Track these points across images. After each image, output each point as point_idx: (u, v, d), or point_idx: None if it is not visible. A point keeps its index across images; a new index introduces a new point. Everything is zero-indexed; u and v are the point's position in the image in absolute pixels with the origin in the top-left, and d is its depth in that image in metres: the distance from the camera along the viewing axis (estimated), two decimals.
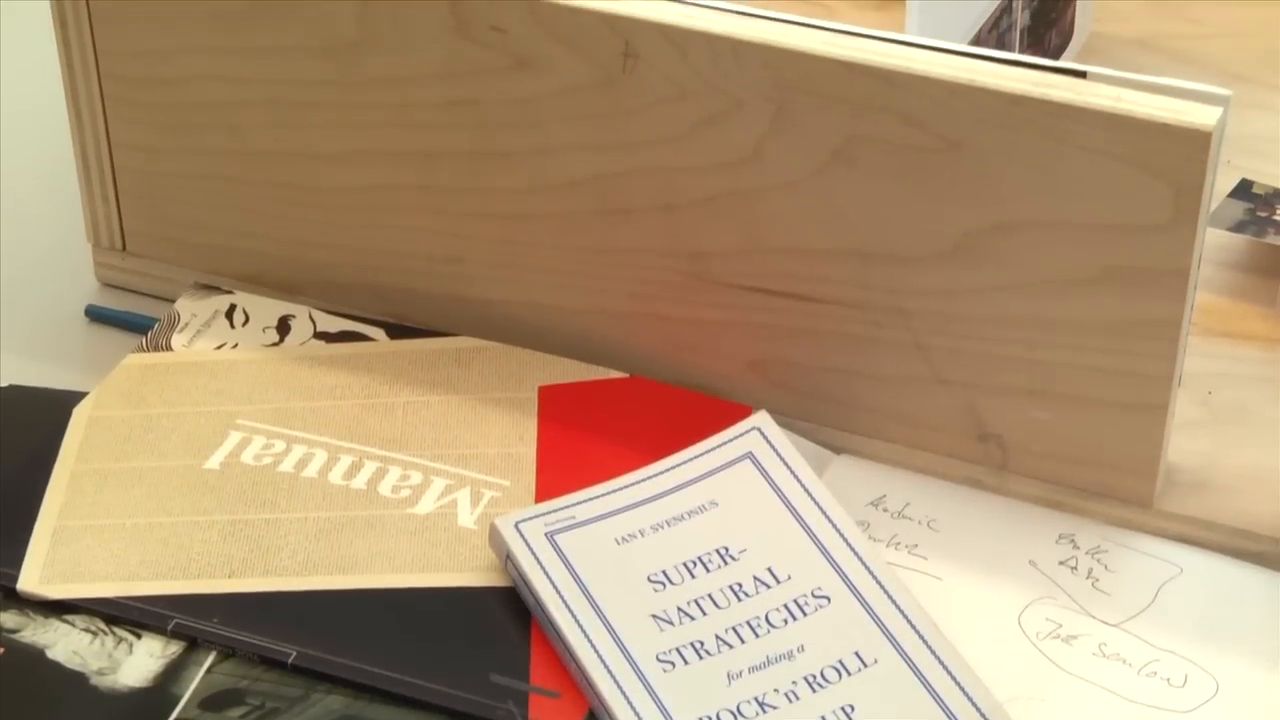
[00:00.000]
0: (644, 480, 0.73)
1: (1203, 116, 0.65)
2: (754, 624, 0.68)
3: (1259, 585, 0.71)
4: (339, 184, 0.80)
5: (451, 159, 0.77)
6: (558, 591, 0.68)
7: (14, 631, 0.69)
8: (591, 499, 0.72)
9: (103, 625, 0.69)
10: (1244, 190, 0.86)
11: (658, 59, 0.71)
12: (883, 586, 0.69)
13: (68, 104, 0.83)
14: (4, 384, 0.80)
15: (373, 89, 0.77)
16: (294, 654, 0.67)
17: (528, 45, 0.73)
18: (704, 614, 0.68)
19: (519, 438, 0.76)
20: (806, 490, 0.72)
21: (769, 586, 0.69)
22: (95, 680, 0.67)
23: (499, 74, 0.74)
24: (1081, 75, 0.67)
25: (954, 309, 0.72)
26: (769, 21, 0.71)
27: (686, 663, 0.67)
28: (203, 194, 0.83)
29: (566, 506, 0.71)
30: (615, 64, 0.72)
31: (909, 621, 0.67)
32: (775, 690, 0.66)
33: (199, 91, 0.80)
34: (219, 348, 0.80)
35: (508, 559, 0.70)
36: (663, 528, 0.71)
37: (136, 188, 0.84)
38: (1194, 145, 0.65)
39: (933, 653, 0.66)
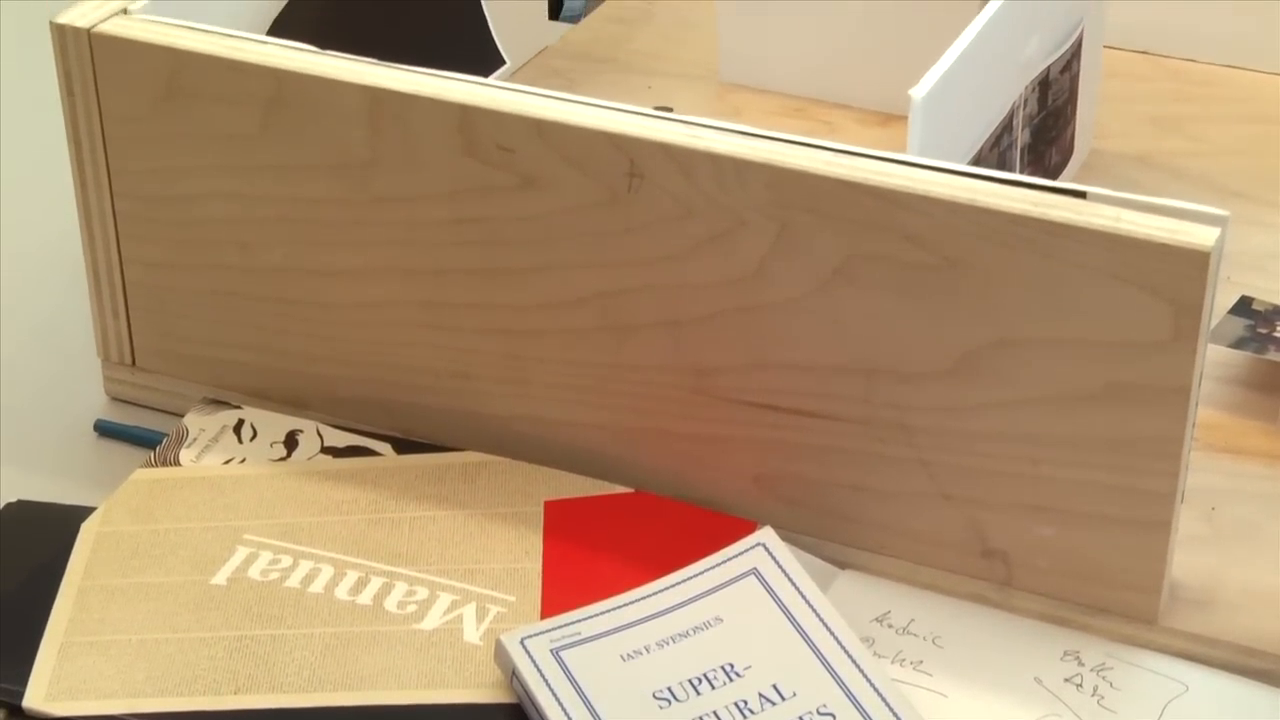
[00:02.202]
0: (649, 596, 0.73)
1: (1201, 237, 0.66)
2: None
3: (1265, 703, 0.70)
4: (348, 300, 0.81)
5: (459, 276, 0.78)
6: (563, 708, 0.68)
7: None
8: (597, 615, 0.72)
9: None
10: (1244, 307, 0.87)
11: (663, 178, 0.72)
12: (888, 703, 0.68)
13: (80, 220, 0.84)
14: (12, 499, 0.80)
15: (382, 207, 0.78)
16: None
17: (535, 165, 0.74)
18: None
19: (525, 553, 0.76)
20: (811, 606, 0.72)
21: (774, 703, 0.69)
22: None
23: (506, 193, 0.75)
24: (1081, 195, 0.68)
25: (957, 425, 0.72)
26: (772, 141, 0.72)
27: None
28: (212, 310, 0.83)
29: (572, 623, 0.71)
30: (621, 183, 0.73)
31: None
32: None
33: (211, 209, 0.81)
34: (227, 462, 0.81)
35: (513, 675, 0.70)
36: (668, 644, 0.71)
37: (147, 303, 0.85)
38: (1193, 265, 0.66)
39: None
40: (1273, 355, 0.84)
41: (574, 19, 1.24)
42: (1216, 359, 0.84)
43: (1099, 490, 0.71)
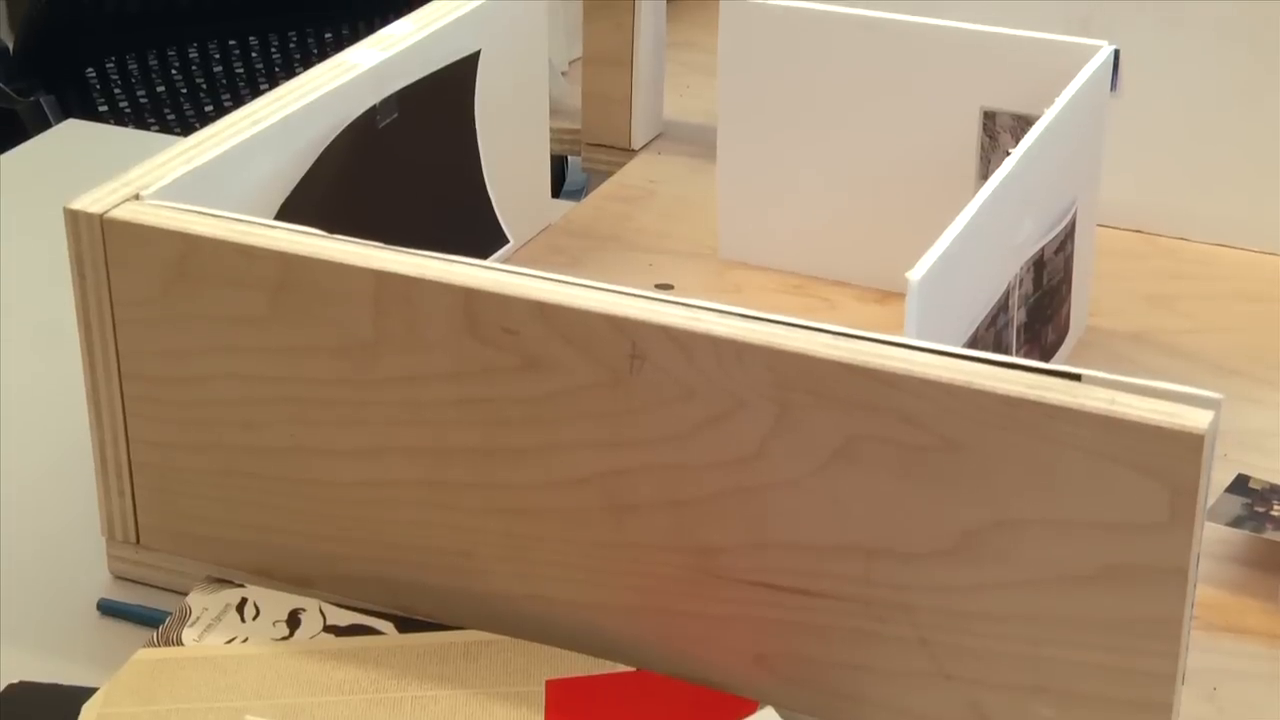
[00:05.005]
0: None
1: (1195, 419, 0.67)
2: None
3: None
4: (351, 479, 0.81)
5: (462, 455, 0.79)
6: None
7: None
8: None
9: None
10: (1241, 486, 0.87)
11: (664, 360, 0.73)
12: None
13: (88, 400, 0.85)
14: (14, 680, 0.80)
15: (386, 387, 0.79)
16: None
17: (538, 346, 0.75)
18: None
19: None
20: None
21: None
22: None
23: (509, 374, 0.76)
24: (1076, 378, 0.69)
25: (957, 605, 0.72)
26: (771, 324, 0.73)
27: None
28: (217, 489, 0.84)
29: None
30: (623, 365, 0.74)
31: None
32: None
33: (217, 390, 0.82)
34: (229, 642, 0.81)
35: None
36: None
37: (152, 483, 0.85)
38: (1187, 447, 0.66)
39: None
40: (1271, 534, 0.84)
41: (576, 197, 1.27)
42: (1215, 537, 0.84)
43: (1099, 671, 0.71)
